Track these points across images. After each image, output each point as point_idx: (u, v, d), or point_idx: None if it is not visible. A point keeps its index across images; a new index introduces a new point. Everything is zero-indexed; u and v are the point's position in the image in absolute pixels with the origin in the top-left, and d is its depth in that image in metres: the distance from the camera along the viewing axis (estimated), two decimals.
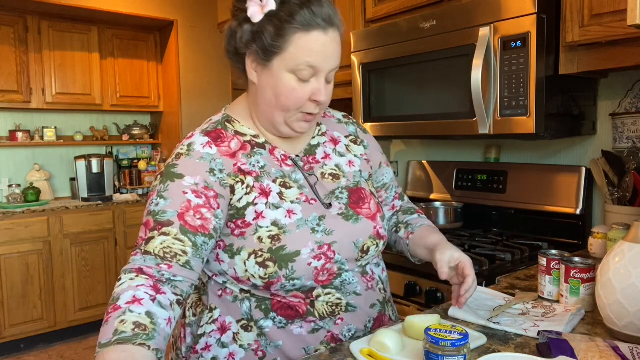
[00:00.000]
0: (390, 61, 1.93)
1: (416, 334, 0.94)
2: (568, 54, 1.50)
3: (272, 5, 0.89)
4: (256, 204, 0.94)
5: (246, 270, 0.92)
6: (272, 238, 0.92)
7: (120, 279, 0.84)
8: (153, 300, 0.81)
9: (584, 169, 1.75)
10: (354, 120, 1.19)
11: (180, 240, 0.87)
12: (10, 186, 3.56)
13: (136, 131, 4.20)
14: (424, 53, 1.79)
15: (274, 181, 0.98)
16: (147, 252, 0.86)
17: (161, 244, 0.86)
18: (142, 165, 4.11)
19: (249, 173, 0.96)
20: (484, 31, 1.57)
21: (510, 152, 2.06)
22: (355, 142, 1.14)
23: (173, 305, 0.84)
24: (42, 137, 3.76)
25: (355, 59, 2.08)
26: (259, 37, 0.91)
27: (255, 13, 0.90)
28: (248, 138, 1.01)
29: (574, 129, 1.70)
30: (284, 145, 1.03)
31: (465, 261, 1.00)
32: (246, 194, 0.95)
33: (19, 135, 3.64)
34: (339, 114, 1.18)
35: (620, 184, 1.61)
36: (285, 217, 0.94)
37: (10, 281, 3.22)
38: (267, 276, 0.91)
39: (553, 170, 1.83)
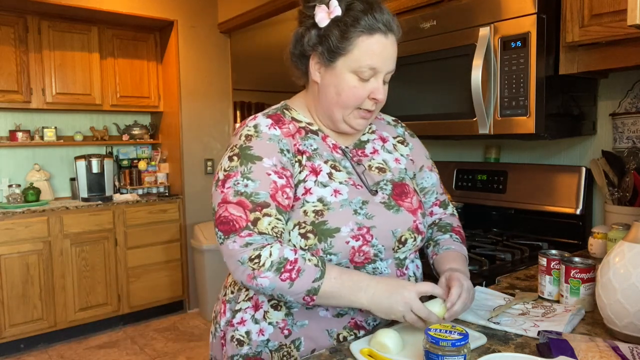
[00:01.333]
0: None
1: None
2: (568, 54, 1.50)
3: (338, 12, 0.99)
4: (306, 181, 1.01)
5: (289, 240, 0.99)
6: (316, 213, 0.98)
7: (259, 255, 0.91)
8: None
9: (584, 169, 1.74)
10: (403, 125, 1.27)
11: (280, 220, 0.97)
12: (10, 186, 3.55)
13: (136, 131, 4.20)
14: (424, 53, 1.79)
15: (325, 162, 1.05)
16: (262, 232, 0.93)
17: (269, 224, 0.94)
18: (142, 165, 4.11)
19: (304, 152, 1.04)
20: (484, 31, 1.57)
21: (510, 152, 2.06)
22: (402, 143, 1.21)
23: None
24: (42, 137, 3.76)
25: None
26: (325, 39, 1.00)
27: (323, 19, 1.00)
28: (303, 124, 1.09)
29: (574, 129, 1.70)
30: (335, 137, 1.11)
31: (453, 275, 1.00)
32: (299, 172, 1.02)
33: (19, 135, 3.64)
34: (389, 118, 1.26)
35: (620, 184, 1.61)
36: (331, 195, 1.01)
37: (10, 281, 3.22)
38: (307, 247, 0.97)
39: (553, 170, 1.83)
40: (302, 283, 0.91)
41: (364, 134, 1.16)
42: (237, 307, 1.07)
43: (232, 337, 1.05)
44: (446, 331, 0.76)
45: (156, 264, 3.84)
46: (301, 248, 0.97)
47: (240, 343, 1.04)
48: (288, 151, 1.03)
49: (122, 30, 3.94)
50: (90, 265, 3.54)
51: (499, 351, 0.89)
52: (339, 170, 1.05)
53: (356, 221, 0.99)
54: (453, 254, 1.14)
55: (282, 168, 1.00)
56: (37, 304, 3.33)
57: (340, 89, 1.01)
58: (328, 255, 0.97)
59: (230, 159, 1.00)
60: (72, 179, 3.89)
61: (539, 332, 0.92)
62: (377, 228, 1.01)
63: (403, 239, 1.05)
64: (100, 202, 3.63)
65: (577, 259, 1.13)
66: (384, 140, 1.18)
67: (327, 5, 1.00)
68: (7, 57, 3.44)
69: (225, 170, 0.99)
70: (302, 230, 0.98)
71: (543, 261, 1.19)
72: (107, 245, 3.61)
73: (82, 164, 3.71)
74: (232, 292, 1.11)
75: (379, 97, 1.03)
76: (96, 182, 3.75)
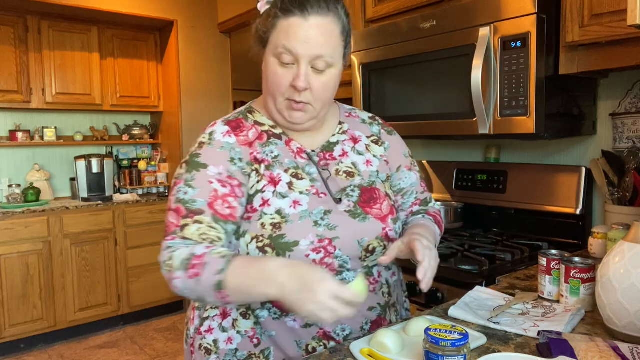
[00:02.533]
0: (390, 61, 1.92)
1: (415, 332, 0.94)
2: (568, 54, 1.50)
3: None
4: (264, 192, 0.98)
5: (247, 253, 0.96)
6: (274, 226, 0.95)
7: (172, 257, 0.89)
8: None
9: (584, 169, 1.74)
10: (381, 122, 1.20)
11: (214, 228, 0.93)
12: (10, 186, 3.55)
13: (136, 131, 4.20)
14: (424, 53, 1.79)
15: (286, 171, 1.01)
16: (185, 238, 0.91)
17: (197, 230, 0.92)
18: (142, 165, 4.11)
19: (262, 161, 1.01)
20: (484, 31, 1.57)
21: (510, 152, 2.06)
22: (376, 143, 1.14)
23: None
24: (42, 137, 3.76)
25: (355, 59, 2.08)
26: (261, 27, 0.99)
27: (262, 6, 0.99)
28: (266, 128, 1.05)
29: (574, 129, 1.70)
30: (301, 139, 1.06)
31: (414, 239, 0.92)
32: (257, 182, 0.99)
33: (19, 135, 3.64)
34: (365, 115, 1.19)
35: (620, 184, 1.61)
36: (290, 207, 0.97)
37: (10, 281, 3.22)
38: None
39: (553, 170, 1.83)
40: (207, 277, 0.85)
41: (333, 135, 1.10)
42: (205, 315, 1.04)
43: (200, 345, 1.03)
44: (446, 331, 0.76)
45: (156, 264, 3.83)
46: None
47: (208, 352, 1.01)
48: (240, 160, 0.99)
49: (122, 30, 3.94)
50: (90, 265, 3.54)
51: (499, 351, 0.89)
52: (301, 179, 1.01)
53: (316, 233, 0.95)
54: (417, 224, 1.07)
55: (228, 177, 0.96)
56: (37, 304, 3.33)
57: (267, 75, 0.99)
58: None
59: (181, 166, 1.00)
60: (72, 179, 3.89)
61: (539, 332, 0.92)
62: (340, 239, 0.97)
63: (371, 248, 1.01)
64: (100, 202, 3.63)
65: (577, 259, 1.13)
66: (355, 140, 1.12)
67: None
68: (7, 57, 3.44)
69: (175, 178, 0.99)
70: (260, 244, 0.94)
71: (543, 261, 1.19)
72: (107, 245, 3.61)
73: (82, 164, 3.71)
74: None
75: (298, 85, 0.94)
76: (96, 182, 3.75)
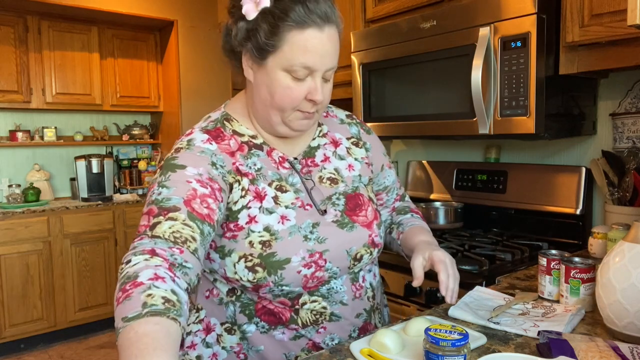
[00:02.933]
0: (390, 61, 1.92)
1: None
2: (568, 54, 1.50)
3: (266, 2, 0.86)
4: (250, 208, 0.92)
5: (235, 272, 0.91)
6: (263, 244, 0.90)
7: (129, 261, 0.75)
8: (173, 280, 0.74)
9: (584, 169, 1.74)
10: (358, 121, 1.16)
11: (189, 226, 0.82)
12: (10, 186, 3.56)
13: (136, 131, 4.20)
14: (424, 53, 1.79)
15: (270, 184, 0.95)
16: (155, 236, 0.79)
17: (170, 227, 0.80)
18: (142, 165, 4.11)
19: (245, 175, 0.94)
20: (484, 31, 1.57)
21: (510, 152, 2.06)
22: (357, 145, 1.10)
23: (185, 292, 0.76)
24: (42, 137, 3.76)
25: (355, 59, 2.08)
26: (254, 35, 0.88)
27: (250, 10, 0.88)
28: (246, 139, 0.98)
29: (574, 129, 1.70)
30: (282, 147, 1.01)
31: (434, 257, 0.99)
32: (241, 196, 0.93)
33: (19, 135, 3.64)
34: (342, 114, 1.14)
35: (620, 184, 1.61)
36: (278, 223, 0.92)
37: (10, 281, 3.22)
38: (255, 280, 0.90)
39: (553, 170, 1.83)
40: (118, 313, 0.68)
41: (313, 139, 1.05)
42: (187, 330, 1.00)
43: None
44: (446, 331, 0.76)
45: None
46: (249, 281, 0.90)
47: None
48: (222, 167, 0.92)
49: (122, 31, 3.94)
50: (90, 265, 3.54)
51: (499, 351, 0.89)
52: (285, 191, 0.96)
53: (307, 248, 0.92)
54: (418, 228, 1.13)
55: (208, 179, 0.88)
56: (37, 304, 3.33)
57: (273, 90, 0.90)
58: (279, 287, 0.91)
59: (155, 172, 0.93)
60: (72, 179, 3.89)
61: (539, 332, 0.92)
62: (330, 251, 0.94)
63: (359, 256, 0.99)
64: (100, 202, 3.63)
65: (577, 259, 1.13)
66: (336, 144, 1.07)
67: None
68: (7, 57, 3.44)
69: (149, 185, 0.94)
70: (249, 264, 0.89)
71: (543, 261, 1.19)
72: (107, 245, 3.61)
73: (82, 164, 3.71)
74: None
75: (317, 98, 0.90)
76: (96, 182, 3.75)
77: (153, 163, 4.23)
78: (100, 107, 3.87)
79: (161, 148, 4.33)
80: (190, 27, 4.02)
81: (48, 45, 3.60)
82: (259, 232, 0.91)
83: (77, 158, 3.75)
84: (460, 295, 1.18)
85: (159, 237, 0.79)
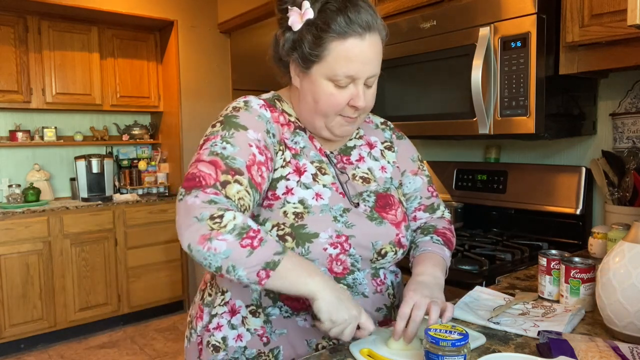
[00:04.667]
0: (390, 61, 1.92)
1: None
2: (568, 54, 1.50)
3: (310, 14, 0.91)
4: (288, 179, 0.97)
5: None
6: (296, 215, 0.94)
7: (221, 217, 0.81)
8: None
9: (584, 169, 1.74)
10: (392, 127, 1.20)
11: (249, 194, 0.88)
12: (10, 186, 3.55)
13: (136, 131, 4.20)
14: (424, 53, 1.79)
15: (312, 162, 1.00)
16: (228, 197, 0.85)
17: (237, 192, 0.86)
18: (142, 165, 4.11)
19: (290, 148, 0.99)
20: (484, 31, 1.57)
21: (510, 152, 2.06)
22: (389, 149, 1.15)
23: None
24: (42, 137, 3.76)
25: None
26: (299, 45, 0.94)
27: (295, 21, 0.93)
28: (293, 119, 1.04)
29: (574, 129, 1.70)
30: (321, 141, 1.06)
31: (406, 296, 0.92)
32: (282, 166, 0.97)
33: (19, 135, 3.64)
34: (378, 120, 1.19)
35: (620, 184, 1.61)
36: (313, 198, 0.96)
37: (10, 281, 3.22)
38: None
39: (553, 170, 1.83)
40: (263, 253, 0.81)
41: (350, 139, 1.11)
42: (214, 312, 1.02)
43: (208, 342, 1.01)
44: (446, 331, 0.76)
45: (156, 264, 3.84)
46: None
47: (217, 349, 1.00)
48: (274, 135, 0.97)
49: (122, 31, 3.94)
50: (90, 265, 3.54)
51: (499, 351, 0.89)
52: (325, 174, 1.01)
53: (335, 228, 0.95)
54: (426, 255, 1.07)
55: (264, 146, 0.93)
56: (37, 304, 3.33)
57: (317, 97, 0.96)
58: None
59: (213, 125, 0.95)
60: (72, 179, 3.89)
61: (539, 332, 0.92)
62: (356, 238, 0.97)
63: (383, 252, 1.01)
64: (100, 202, 3.63)
65: (577, 259, 1.13)
66: (371, 146, 1.12)
67: (299, 6, 0.93)
68: (7, 57, 3.44)
69: (205, 136, 0.94)
70: (281, 232, 0.93)
71: (543, 261, 1.19)
72: (107, 245, 3.61)
73: (82, 164, 3.71)
74: (210, 295, 1.06)
75: (359, 104, 0.95)
76: (96, 182, 3.75)
77: (153, 163, 4.23)
78: (100, 107, 3.87)
79: (161, 148, 4.33)
80: (190, 27, 4.02)
81: (48, 45, 3.60)
82: (294, 203, 0.95)
83: (77, 158, 3.75)
84: (460, 295, 1.19)
85: (230, 198, 0.85)
